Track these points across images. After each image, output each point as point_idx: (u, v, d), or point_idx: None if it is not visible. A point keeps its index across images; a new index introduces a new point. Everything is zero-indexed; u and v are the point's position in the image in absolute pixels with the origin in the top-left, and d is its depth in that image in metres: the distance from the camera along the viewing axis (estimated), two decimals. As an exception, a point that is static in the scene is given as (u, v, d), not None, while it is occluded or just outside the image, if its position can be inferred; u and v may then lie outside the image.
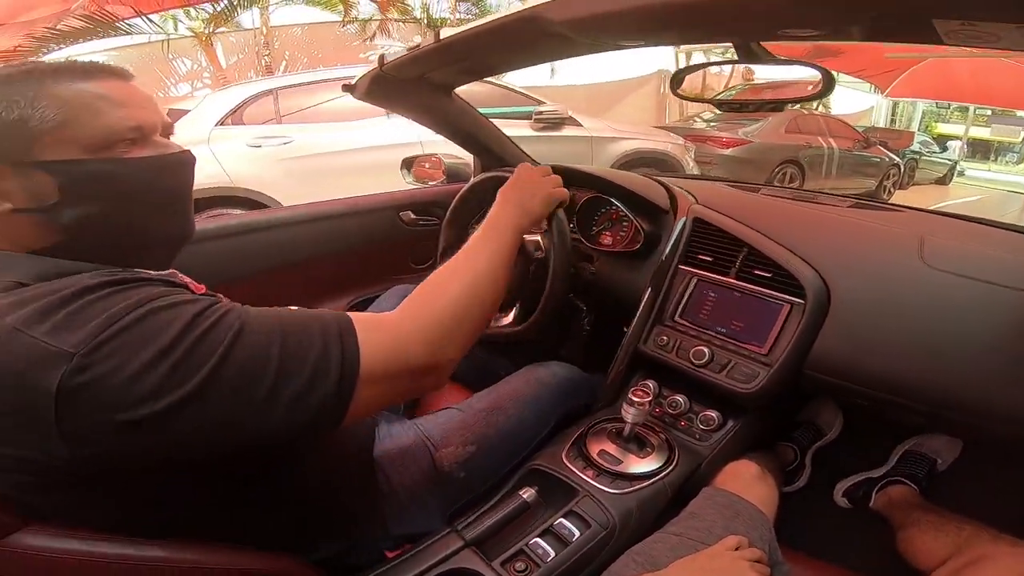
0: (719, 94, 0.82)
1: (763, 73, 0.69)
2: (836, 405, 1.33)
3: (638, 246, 1.16)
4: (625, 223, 1.21)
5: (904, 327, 0.85)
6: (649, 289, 1.08)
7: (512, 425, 0.91)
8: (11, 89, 0.52)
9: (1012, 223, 1.10)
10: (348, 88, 1.08)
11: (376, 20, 6.83)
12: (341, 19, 6.73)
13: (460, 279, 0.66)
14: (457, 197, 1.17)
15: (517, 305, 1.09)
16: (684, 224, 1.09)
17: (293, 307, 0.57)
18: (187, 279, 0.66)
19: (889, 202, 1.16)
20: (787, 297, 0.93)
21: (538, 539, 0.74)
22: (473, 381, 1.08)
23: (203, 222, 1.14)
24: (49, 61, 0.56)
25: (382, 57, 0.95)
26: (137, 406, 0.44)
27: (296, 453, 0.67)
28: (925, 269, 0.89)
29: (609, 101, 8.20)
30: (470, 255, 0.70)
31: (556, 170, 1.33)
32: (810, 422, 1.35)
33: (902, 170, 8.06)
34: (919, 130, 14.51)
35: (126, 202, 0.56)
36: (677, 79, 0.87)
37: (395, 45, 6.65)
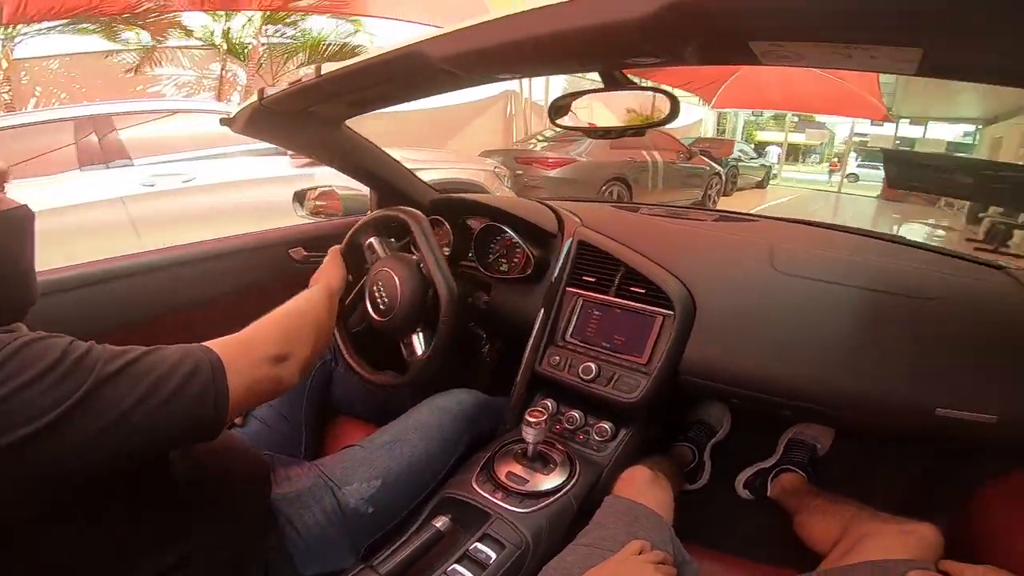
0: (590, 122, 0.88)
1: (625, 100, 0.77)
2: (723, 403, 1.45)
3: (530, 271, 1.22)
4: (517, 250, 1.27)
5: (759, 329, 0.97)
6: (541, 312, 1.14)
7: (417, 456, 0.91)
8: None
9: (849, 226, 1.29)
10: (226, 122, 1.04)
11: (160, 46, 5.98)
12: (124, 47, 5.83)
13: (293, 308, 0.78)
14: (351, 232, 1.13)
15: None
16: (569, 247, 1.17)
17: None
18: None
19: (747, 213, 1.31)
20: (659, 310, 1.02)
21: (455, 566, 0.75)
22: (376, 418, 1.07)
23: (64, 269, 1.04)
24: None
25: (262, 90, 0.93)
26: (21, 426, 0.44)
27: (187, 501, 0.65)
28: (775, 275, 1.02)
29: (455, 125, 8.00)
30: (298, 300, 0.82)
31: (452, 201, 1.37)
32: (702, 421, 1.45)
33: (723, 178, 8.40)
34: (741, 139, 16.54)
35: None
36: (555, 108, 0.93)
37: (185, 74, 6.35)
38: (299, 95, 0.89)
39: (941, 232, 7.63)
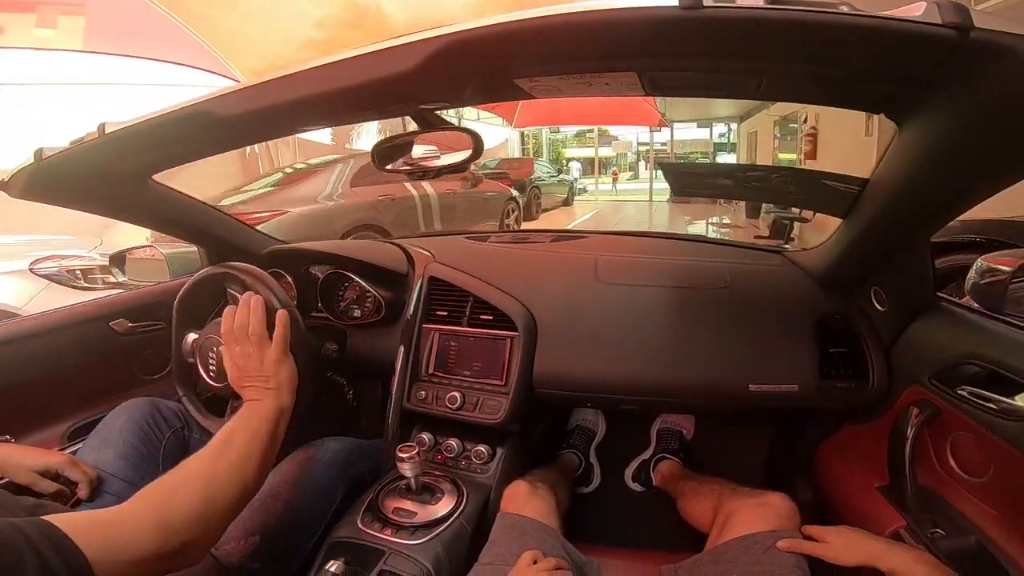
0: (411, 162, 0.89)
1: (440, 139, 0.80)
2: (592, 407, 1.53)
3: (384, 314, 1.21)
4: (368, 295, 1.26)
5: (590, 336, 1.06)
6: (401, 350, 1.14)
7: (294, 507, 0.90)
8: None
9: (663, 231, 1.45)
10: (2, 186, 0.90)
11: None
12: None
13: (211, 471, 0.62)
14: (181, 295, 1.04)
15: None
16: (421, 284, 1.18)
17: None
18: None
19: (578, 230, 1.45)
20: (507, 333, 1.08)
21: None
22: None
23: None
24: None
25: (40, 151, 0.83)
26: None
27: None
28: (599, 285, 1.13)
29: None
30: (215, 445, 0.66)
31: (290, 251, 1.31)
32: (579, 426, 1.53)
33: (520, 203, 7.32)
34: (548, 157, 17.85)
35: None
36: (378, 153, 0.93)
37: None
38: (84, 154, 0.80)
39: (727, 230, 8.65)
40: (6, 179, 0.89)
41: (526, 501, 0.93)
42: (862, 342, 0.97)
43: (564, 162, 18.13)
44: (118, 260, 1.42)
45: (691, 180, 0.97)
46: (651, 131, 14.10)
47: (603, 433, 1.53)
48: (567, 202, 12.22)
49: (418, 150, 0.87)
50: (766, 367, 0.98)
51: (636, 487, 1.44)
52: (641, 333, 1.05)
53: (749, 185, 0.90)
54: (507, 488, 0.98)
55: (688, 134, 16.55)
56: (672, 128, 14.62)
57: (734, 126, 15.19)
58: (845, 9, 0.39)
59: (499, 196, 6.79)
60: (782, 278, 1.11)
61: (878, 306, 0.94)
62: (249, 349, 0.80)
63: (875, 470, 0.94)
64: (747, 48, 0.46)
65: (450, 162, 0.80)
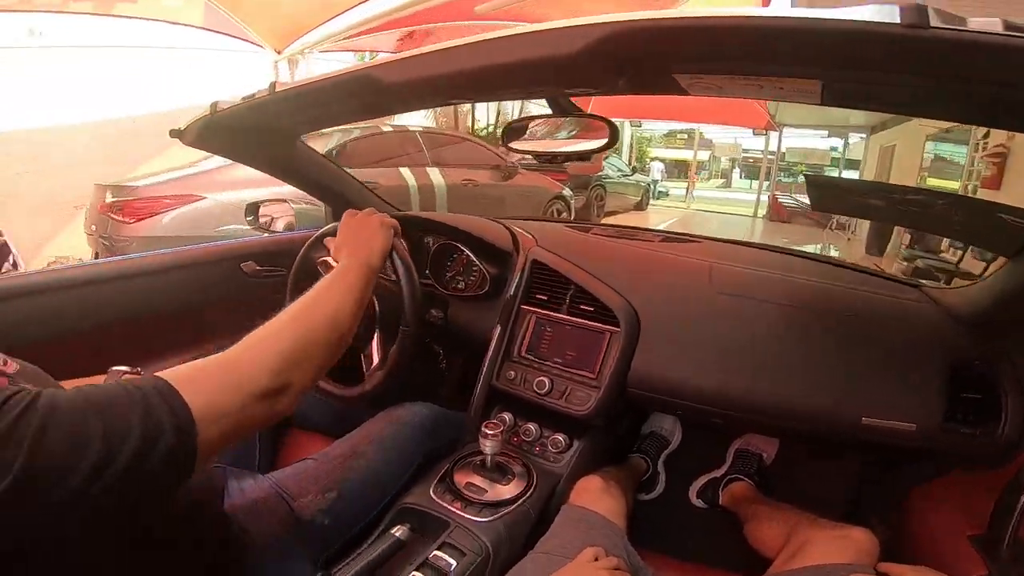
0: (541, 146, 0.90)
1: (569, 125, 0.81)
2: (673, 415, 1.50)
3: (487, 289, 1.24)
4: (474, 268, 1.29)
5: (698, 344, 1.03)
6: (498, 328, 1.17)
7: (374, 467, 0.92)
8: None
9: (780, 246, 1.37)
10: (176, 133, 1.03)
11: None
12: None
13: (302, 316, 0.65)
14: (306, 245, 1.13)
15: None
16: (524, 266, 1.20)
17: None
18: None
19: (690, 233, 1.40)
20: (607, 327, 1.07)
21: (416, 573, 0.76)
22: (332, 430, 1.07)
23: (12, 277, 1.00)
24: None
25: (215, 104, 0.93)
26: None
27: (139, 520, 0.60)
28: (713, 293, 1.09)
29: (136, 143, 5.13)
30: (314, 296, 0.69)
31: (408, 219, 1.38)
32: (655, 433, 1.50)
33: (573, 203, 6.30)
34: (627, 156, 15.64)
35: None
36: (508, 131, 0.96)
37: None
38: (251, 110, 0.89)
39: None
40: (182, 128, 1.01)
41: (598, 497, 0.93)
42: (1000, 390, 0.88)
43: (647, 161, 16.51)
44: (252, 209, 1.56)
45: (837, 196, 0.90)
46: (762, 135, 11.99)
47: (677, 444, 1.48)
48: (640, 206, 10.54)
49: (548, 134, 0.88)
50: (885, 402, 0.91)
51: (699, 503, 1.40)
52: (752, 349, 1.00)
53: (906, 209, 0.82)
54: (580, 481, 0.98)
55: (796, 142, 13.67)
56: (780, 134, 11.81)
57: (856, 138, 12.58)
58: None
59: (539, 192, 5.74)
60: (919, 314, 1.01)
61: None
62: (363, 218, 0.88)
63: (970, 518, 0.88)
64: (969, 71, 0.43)
65: (581, 149, 0.80)
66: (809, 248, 7.94)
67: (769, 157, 12.70)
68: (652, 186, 12.59)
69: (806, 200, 7.76)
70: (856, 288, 1.09)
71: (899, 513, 1.09)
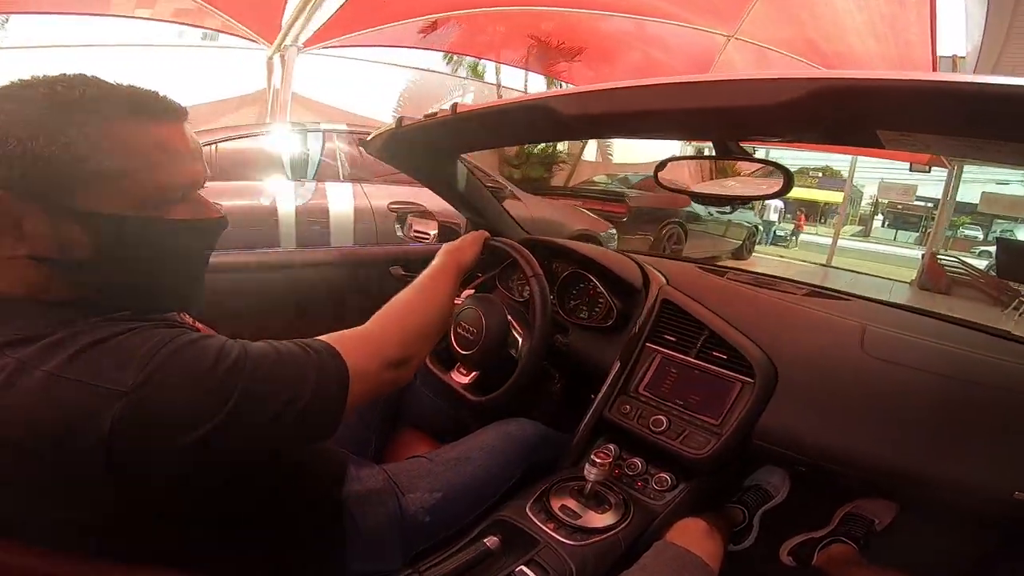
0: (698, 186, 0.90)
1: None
2: (784, 471, 1.40)
3: (611, 322, 1.26)
4: (600, 300, 1.31)
5: (842, 407, 0.97)
6: (618, 363, 1.17)
7: (479, 475, 0.95)
8: (61, 116, 0.45)
9: (942, 313, 1.24)
10: (363, 143, 1.16)
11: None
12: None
13: (418, 301, 0.77)
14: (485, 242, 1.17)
15: (478, 373, 1.15)
16: (654, 304, 1.20)
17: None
18: (189, 319, 0.69)
19: (840, 290, 1.29)
20: (740, 376, 1.04)
21: None
22: (443, 433, 1.13)
23: None
24: (99, 84, 0.49)
25: (400, 119, 1.04)
26: (183, 433, 0.46)
27: (269, 485, 0.68)
28: (864, 357, 1.02)
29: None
30: (425, 285, 0.81)
31: (540, 243, 1.43)
32: (758, 486, 1.41)
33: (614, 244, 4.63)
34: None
35: (158, 264, 0.54)
36: (662, 166, 0.97)
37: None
38: (432, 128, 0.99)
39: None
40: (370, 137, 1.15)
41: (699, 539, 0.90)
42: None
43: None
44: (401, 219, 1.71)
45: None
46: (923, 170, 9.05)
47: (780, 500, 1.38)
48: (739, 254, 8.09)
49: (705, 173, 0.88)
50: None
51: (788, 560, 1.29)
52: (901, 417, 0.93)
53: None
54: (683, 521, 0.95)
55: (980, 186, 11.18)
56: (953, 173, 8.72)
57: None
58: None
59: (546, 226, 3.64)
60: None
61: None
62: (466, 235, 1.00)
63: None
64: None
65: (748, 194, 0.80)
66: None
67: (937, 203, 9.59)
68: (764, 229, 10.98)
69: (978, 263, 6.49)
70: (1021, 363, 0.97)
71: None
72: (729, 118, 0.61)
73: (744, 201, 0.89)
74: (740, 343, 1.06)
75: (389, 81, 7.80)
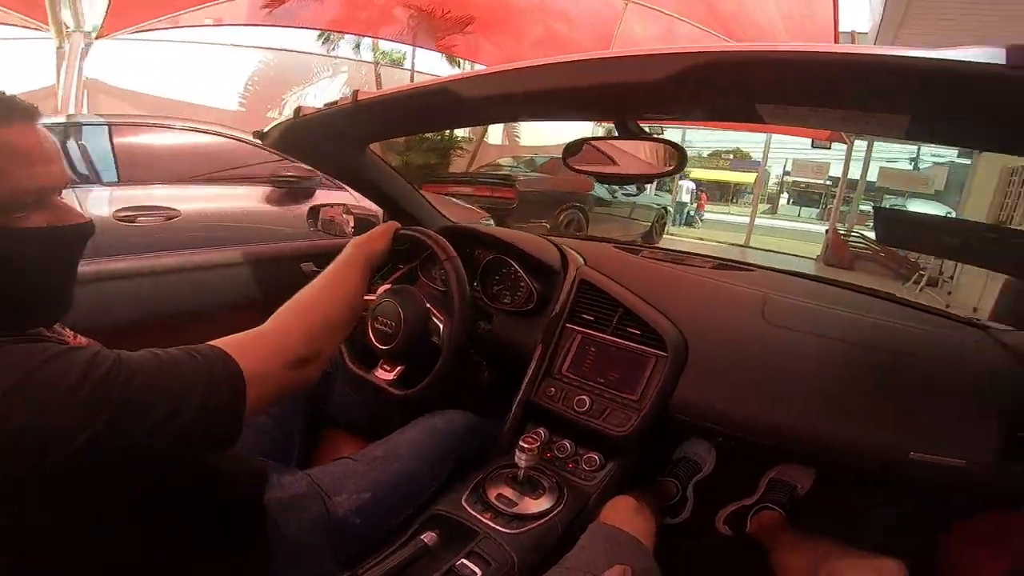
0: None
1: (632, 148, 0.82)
2: (709, 442, 1.48)
3: (532, 305, 1.26)
4: (521, 283, 1.31)
5: (748, 375, 1.03)
6: (540, 345, 1.18)
7: (407, 471, 0.94)
8: None
9: (842, 280, 1.35)
10: (259, 135, 1.09)
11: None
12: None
13: (322, 295, 0.75)
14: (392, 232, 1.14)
15: (403, 367, 1.11)
16: (572, 285, 1.22)
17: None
18: (69, 333, 0.64)
19: (745, 262, 1.38)
20: (653, 351, 1.07)
21: None
22: (369, 432, 1.09)
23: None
24: None
25: (299, 108, 0.99)
26: (54, 450, 0.43)
27: (185, 496, 0.66)
28: (766, 325, 1.08)
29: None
30: (330, 279, 0.79)
31: (460, 231, 1.41)
32: (687, 458, 1.48)
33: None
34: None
35: (16, 277, 0.50)
36: (570, 149, 0.98)
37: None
38: (332, 117, 0.95)
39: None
40: (264, 130, 1.08)
41: (629, 516, 0.93)
42: None
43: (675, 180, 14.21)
44: (313, 213, 1.63)
45: (905, 231, 0.89)
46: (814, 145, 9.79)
47: (709, 470, 1.46)
48: (650, 236, 7.86)
49: (612, 155, 0.90)
50: (936, 438, 0.89)
51: (724, 529, 1.37)
52: (804, 382, 0.99)
53: (982, 250, 0.80)
54: (612, 500, 0.97)
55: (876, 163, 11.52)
56: (851, 149, 9.29)
57: (941, 156, 11.21)
58: None
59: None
60: (982, 357, 0.98)
61: None
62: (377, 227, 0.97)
63: (1008, 555, 0.88)
64: None
65: (646, 172, 0.82)
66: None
67: (841, 180, 10.01)
68: (676, 210, 11.11)
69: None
70: (915, 326, 1.07)
71: (933, 549, 1.06)
72: (618, 96, 0.62)
73: (646, 180, 0.92)
74: (652, 318, 1.09)
75: (241, 64, 7.31)
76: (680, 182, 13.17)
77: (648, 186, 8.21)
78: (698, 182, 15.87)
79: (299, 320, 0.68)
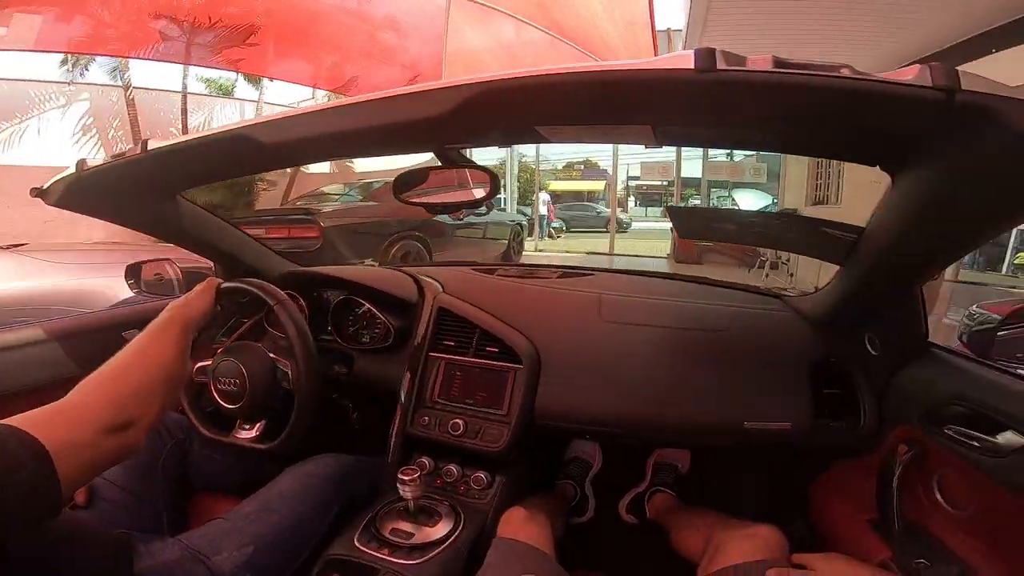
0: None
1: (453, 175, 0.84)
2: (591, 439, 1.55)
3: (391, 341, 1.25)
4: (377, 321, 1.29)
5: (592, 373, 1.10)
6: (407, 376, 1.17)
7: (287, 521, 0.91)
8: None
9: (668, 272, 1.50)
10: (37, 192, 0.95)
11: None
12: None
13: (133, 360, 0.69)
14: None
15: (263, 421, 1.05)
16: (431, 314, 1.22)
17: None
18: None
19: (585, 267, 1.49)
20: (511, 365, 1.11)
21: None
22: (240, 491, 1.02)
23: None
24: None
25: (82, 161, 0.88)
26: None
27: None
28: (602, 323, 1.17)
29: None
30: (142, 344, 0.73)
31: (305, 275, 1.35)
32: (577, 458, 1.55)
33: None
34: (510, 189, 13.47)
35: None
36: (399, 184, 0.97)
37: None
38: (123, 168, 0.85)
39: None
40: (44, 187, 0.94)
41: (522, 526, 0.95)
42: (855, 384, 1.01)
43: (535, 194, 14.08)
44: (133, 272, 1.46)
45: (698, 224, 1.01)
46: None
47: (599, 465, 1.54)
48: (508, 256, 7.16)
49: (436, 184, 0.91)
50: (761, 406, 1.01)
51: (630, 519, 1.46)
52: (641, 371, 1.08)
53: (752, 231, 0.94)
54: (504, 514, 0.99)
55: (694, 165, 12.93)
56: (680, 152, 10.28)
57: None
58: (846, 72, 0.42)
59: None
60: (780, 322, 1.14)
61: (871, 351, 0.98)
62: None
63: (865, 505, 0.98)
64: (756, 108, 0.50)
65: (467, 199, 0.84)
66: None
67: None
68: (537, 223, 11.31)
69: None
70: (727, 304, 1.21)
71: (808, 507, 1.19)
72: (418, 129, 0.63)
73: (471, 205, 0.94)
74: (506, 334, 1.13)
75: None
76: (537, 196, 13.65)
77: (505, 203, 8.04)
78: (554, 194, 16.61)
79: (104, 389, 0.64)
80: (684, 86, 0.46)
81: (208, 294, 0.88)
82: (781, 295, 1.25)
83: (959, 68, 0.41)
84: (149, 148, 0.79)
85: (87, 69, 6.55)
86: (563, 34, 5.87)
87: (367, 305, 1.29)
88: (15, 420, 0.54)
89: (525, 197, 14.61)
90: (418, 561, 0.86)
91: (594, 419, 1.07)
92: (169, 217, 1.10)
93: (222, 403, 1.01)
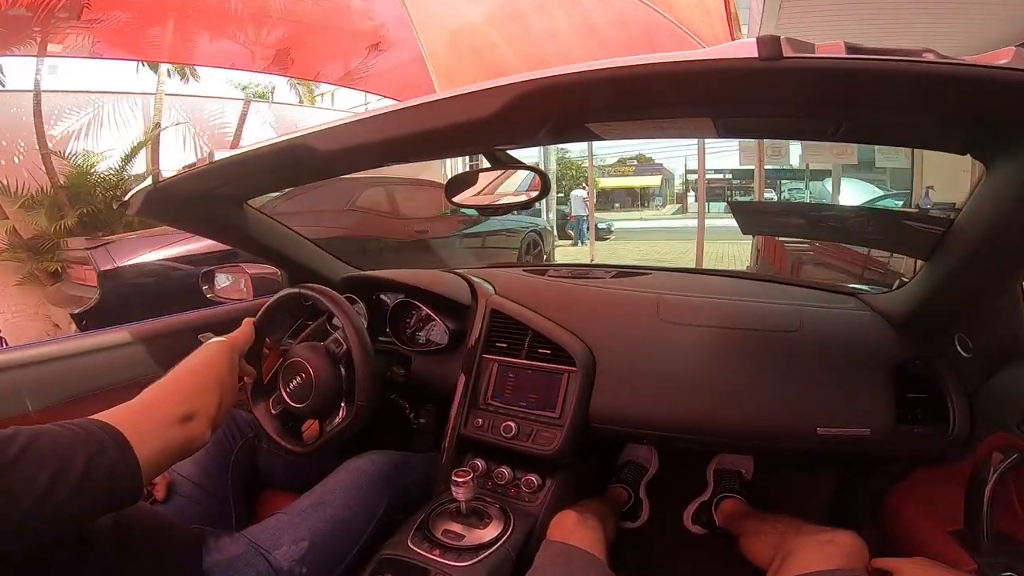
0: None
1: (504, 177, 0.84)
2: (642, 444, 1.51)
3: (447, 342, 1.27)
4: (433, 322, 1.32)
5: (650, 375, 1.06)
6: (462, 378, 1.18)
7: (340, 515, 0.95)
8: None
9: (729, 270, 1.43)
10: (121, 205, 1.02)
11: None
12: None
13: (185, 371, 0.77)
14: (261, 313, 1.08)
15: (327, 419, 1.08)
16: (484, 316, 1.23)
17: None
18: None
19: (640, 266, 1.45)
20: (565, 367, 1.10)
21: None
22: (300, 488, 1.06)
23: None
24: None
25: (156, 173, 0.94)
26: None
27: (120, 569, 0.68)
28: (661, 324, 1.13)
29: None
30: (193, 366, 0.79)
31: (364, 278, 1.39)
32: (631, 462, 1.50)
33: None
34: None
35: None
36: (451, 186, 0.97)
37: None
38: (193, 179, 0.90)
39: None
40: (126, 198, 1.01)
41: (574, 530, 0.93)
42: (943, 388, 0.93)
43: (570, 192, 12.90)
44: (208, 277, 1.55)
45: (761, 219, 0.96)
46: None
47: (655, 470, 1.50)
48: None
49: (486, 185, 0.91)
50: (837, 411, 0.95)
51: (697, 529, 1.40)
52: (703, 374, 1.04)
53: (824, 225, 0.88)
54: (555, 517, 0.98)
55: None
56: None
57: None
58: (930, 57, 0.39)
59: None
60: (858, 322, 1.06)
61: (963, 352, 0.90)
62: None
63: (947, 514, 0.91)
64: (827, 96, 0.47)
65: (517, 200, 0.84)
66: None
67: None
68: (577, 224, 10.47)
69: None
70: (797, 303, 1.14)
71: (883, 514, 1.11)
72: (468, 131, 0.63)
73: (523, 207, 0.94)
74: (559, 336, 1.12)
75: None
76: (570, 196, 12.60)
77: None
78: (603, 191, 15.94)
79: (167, 388, 0.71)
80: (746, 76, 0.44)
81: (247, 327, 0.97)
82: (857, 293, 1.16)
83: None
84: (215, 159, 0.84)
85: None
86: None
87: (424, 308, 1.31)
88: (97, 415, 0.61)
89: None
90: (469, 563, 0.87)
91: (652, 423, 1.04)
92: (237, 225, 1.16)
93: (290, 402, 1.05)
